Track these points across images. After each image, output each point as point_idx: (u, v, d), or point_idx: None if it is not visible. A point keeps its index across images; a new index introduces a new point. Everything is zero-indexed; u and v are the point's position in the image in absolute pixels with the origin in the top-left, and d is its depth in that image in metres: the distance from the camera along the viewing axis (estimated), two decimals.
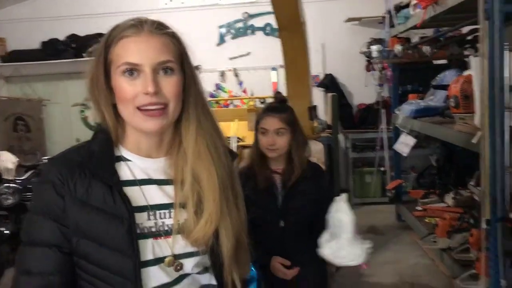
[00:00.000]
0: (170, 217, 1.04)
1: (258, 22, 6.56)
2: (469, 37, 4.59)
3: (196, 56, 1.09)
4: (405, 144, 4.61)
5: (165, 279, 1.02)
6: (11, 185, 4.09)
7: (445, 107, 3.99)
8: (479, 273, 3.05)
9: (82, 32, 6.53)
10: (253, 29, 6.59)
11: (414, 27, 4.38)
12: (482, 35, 2.74)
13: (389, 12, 4.96)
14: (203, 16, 6.46)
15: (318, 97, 6.24)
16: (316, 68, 6.23)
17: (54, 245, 0.99)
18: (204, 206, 1.02)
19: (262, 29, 6.55)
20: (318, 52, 6.37)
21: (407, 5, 4.60)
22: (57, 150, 5.11)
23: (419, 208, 4.77)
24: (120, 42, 1.00)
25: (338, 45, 6.44)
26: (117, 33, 1.01)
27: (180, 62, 1.02)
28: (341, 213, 1.86)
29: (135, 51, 0.98)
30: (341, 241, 1.84)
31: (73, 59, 6.41)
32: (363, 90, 6.44)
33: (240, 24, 6.56)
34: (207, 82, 6.23)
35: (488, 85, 2.70)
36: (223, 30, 6.60)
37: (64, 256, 0.99)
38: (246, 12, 6.55)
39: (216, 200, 1.01)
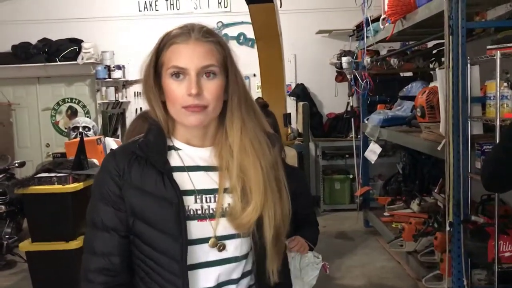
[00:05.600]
0: (215, 201, 1.15)
1: (231, 31, 6.68)
2: (434, 51, 4.84)
3: None
4: (373, 152, 4.80)
5: (208, 258, 1.13)
6: None
7: (411, 117, 4.20)
8: (443, 274, 3.23)
9: (54, 36, 6.49)
10: (227, 38, 6.70)
11: (383, 40, 4.59)
12: (447, 49, 2.93)
13: (359, 25, 5.16)
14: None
15: (290, 105, 6.41)
16: (288, 78, 6.40)
17: (112, 229, 1.12)
18: (251, 196, 1.13)
19: (236, 38, 6.68)
20: (290, 62, 6.55)
21: (376, 19, 4.81)
22: (26, 154, 5.14)
23: (386, 214, 4.96)
24: (171, 47, 1.12)
25: (309, 56, 6.63)
26: (169, 39, 1.12)
27: (223, 67, 1.13)
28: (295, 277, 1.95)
29: (183, 56, 1.10)
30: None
31: (44, 63, 6.36)
32: (333, 99, 6.64)
33: None
34: None
35: (452, 96, 2.90)
36: None
37: (121, 239, 1.13)
38: (220, 21, 6.66)
39: (261, 191, 1.13)
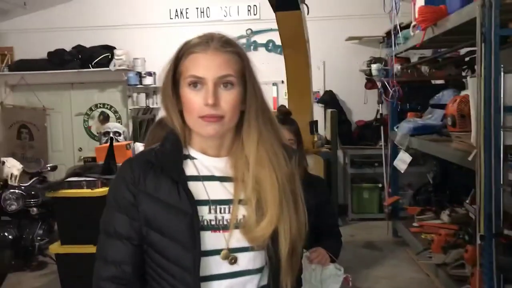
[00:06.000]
0: (229, 212, 1.14)
1: (260, 38, 6.70)
2: (466, 59, 4.71)
3: None
4: (402, 161, 4.70)
5: (220, 270, 1.12)
6: (15, 191, 4.16)
7: (442, 126, 4.10)
8: None
9: (88, 43, 6.65)
10: (256, 45, 6.72)
11: (414, 47, 4.50)
12: (479, 57, 2.85)
13: (389, 32, 5.08)
14: (207, 32, 6.58)
15: (318, 113, 6.35)
16: (317, 85, 6.36)
17: (125, 237, 1.13)
18: (267, 209, 1.11)
19: (265, 45, 6.69)
20: (319, 69, 6.51)
21: (407, 26, 4.73)
22: (59, 158, 5.22)
23: (415, 224, 4.84)
24: (189, 56, 1.12)
25: (339, 62, 6.57)
26: (187, 48, 1.13)
27: (241, 77, 1.13)
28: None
29: (201, 65, 1.10)
30: None
31: (78, 70, 6.53)
32: (362, 107, 6.56)
33: (243, 40, 6.68)
34: None
35: (484, 105, 2.81)
36: None
37: (134, 248, 1.13)
38: (250, 29, 6.69)
39: (277, 204, 1.11)
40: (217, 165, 1.17)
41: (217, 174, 1.16)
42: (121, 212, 1.13)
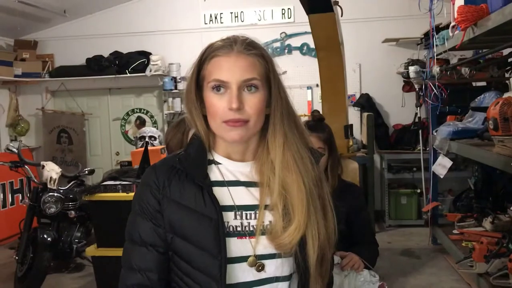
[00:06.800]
0: (255, 218, 1.10)
1: (295, 41, 6.66)
2: (509, 59, 4.52)
3: None
4: (442, 166, 4.55)
5: (247, 278, 1.08)
6: (54, 194, 4.27)
7: (483, 129, 3.94)
8: None
9: (124, 49, 6.78)
10: (290, 49, 6.68)
11: (453, 49, 4.35)
12: None
13: (427, 33, 4.94)
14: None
15: (354, 116, 6.26)
16: (353, 88, 6.27)
17: (150, 244, 1.11)
18: (294, 214, 1.07)
19: (299, 48, 6.64)
20: (355, 71, 6.41)
21: (446, 26, 4.58)
22: (97, 162, 5.32)
23: (455, 231, 4.67)
24: (212, 60, 1.09)
25: (375, 65, 6.46)
26: (211, 51, 1.11)
27: (265, 80, 1.10)
28: None
29: (224, 69, 1.07)
30: None
31: (115, 75, 6.66)
32: (400, 110, 6.41)
33: (277, 44, 6.67)
34: None
35: None
36: None
37: (160, 255, 1.11)
38: (284, 32, 6.66)
39: (304, 209, 1.07)
40: (242, 170, 1.14)
41: (242, 179, 1.14)
42: (146, 218, 1.12)
